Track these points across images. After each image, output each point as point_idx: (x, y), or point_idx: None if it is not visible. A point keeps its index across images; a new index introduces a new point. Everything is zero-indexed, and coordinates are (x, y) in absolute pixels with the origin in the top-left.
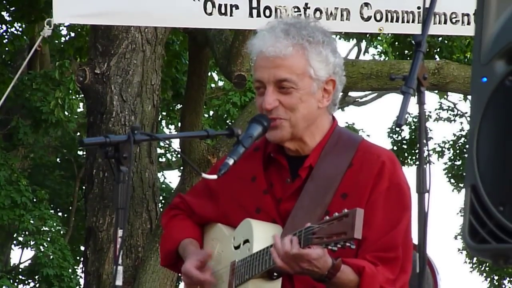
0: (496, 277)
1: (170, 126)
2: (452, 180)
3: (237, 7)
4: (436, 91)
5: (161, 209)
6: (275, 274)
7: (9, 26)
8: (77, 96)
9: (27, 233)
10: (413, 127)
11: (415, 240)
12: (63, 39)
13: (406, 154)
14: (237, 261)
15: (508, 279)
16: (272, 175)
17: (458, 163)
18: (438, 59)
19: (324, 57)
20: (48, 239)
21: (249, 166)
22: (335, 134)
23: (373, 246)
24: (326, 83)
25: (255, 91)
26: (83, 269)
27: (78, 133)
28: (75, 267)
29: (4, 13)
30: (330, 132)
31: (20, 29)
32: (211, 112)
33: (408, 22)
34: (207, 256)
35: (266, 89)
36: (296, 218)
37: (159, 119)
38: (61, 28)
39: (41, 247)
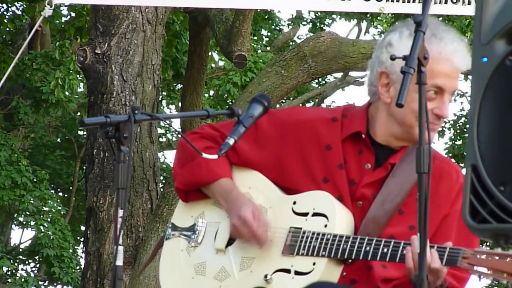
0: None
1: (170, 106)
2: (453, 160)
3: None
4: None
5: (162, 189)
6: (350, 260)
7: (10, 6)
8: (78, 76)
9: (27, 213)
10: None
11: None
12: (63, 19)
13: None
14: (307, 231)
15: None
16: (348, 151)
17: (459, 143)
18: None
19: None
20: (49, 219)
21: (326, 133)
22: None
23: None
24: None
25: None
26: (84, 249)
27: (79, 113)
28: (76, 247)
29: None
30: None
31: (21, 8)
32: (212, 92)
33: (408, 2)
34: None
35: (442, 95)
36: (377, 211)
37: (160, 99)
38: (61, 8)
39: (41, 227)
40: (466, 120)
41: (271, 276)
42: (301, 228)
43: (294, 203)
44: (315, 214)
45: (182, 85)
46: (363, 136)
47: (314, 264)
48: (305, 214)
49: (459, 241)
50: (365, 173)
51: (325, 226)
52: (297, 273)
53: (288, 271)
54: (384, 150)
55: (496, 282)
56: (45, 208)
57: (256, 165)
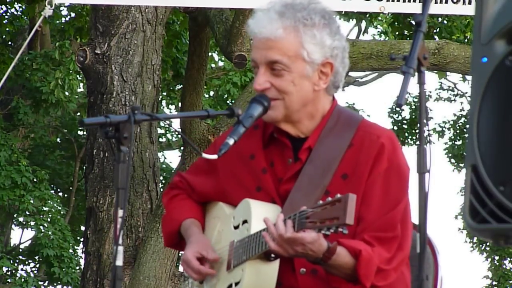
0: (496, 257)
1: (170, 106)
2: (453, 160)
3: None
4: (436, 71)
5: (162, 189)
6: (272, 255)
7: (9, 7)
8: (78, 76)
9: (27, 213)
10: (413, 107)
11: (415, 220)
12: (63, 19)
13: (406, 134)
14: (236, 241)
15: (509, 259)
16: (273, 154)
17: (459, 143)
18: (437, 39)
19: (319, 40)
20: (48, 219)
21: (248, 143)
22: (334, 115)
23: (371, 226)
24: (323, 66)
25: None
26: (83, 249)
27: (79, 113)
28: (75, 247)
29: None
30: (330, 113)
31: (20, 9)
32: (212, 92)
33: (408, 1)
34: (209, 248)
35: (258, 68)
36: (294, 200)
37: (160, 99)
38: (61, 8)
39: (41, 227)
40: (466, 120)
41: None
42: (234, 241)
43: (233, 218)
44: (243, 223)
45: (182, 85)
46: (275, 135)
47: (242, 270)
48: (238, 226)
49: (383, 205)
50: (288, 168)
51: (247, 230)
52: (236, 284)
53: (231, 285)
54: (299, 140)
55: (496, 282)
56: (45, 208)
57: (211, 195)
